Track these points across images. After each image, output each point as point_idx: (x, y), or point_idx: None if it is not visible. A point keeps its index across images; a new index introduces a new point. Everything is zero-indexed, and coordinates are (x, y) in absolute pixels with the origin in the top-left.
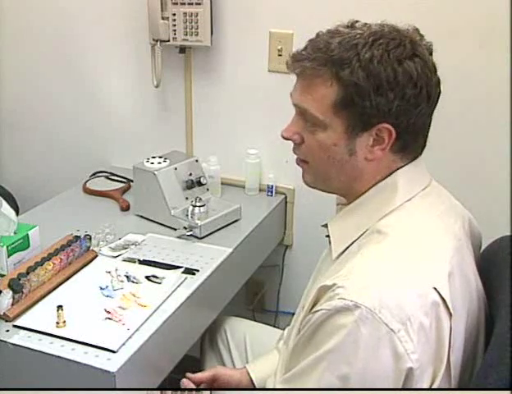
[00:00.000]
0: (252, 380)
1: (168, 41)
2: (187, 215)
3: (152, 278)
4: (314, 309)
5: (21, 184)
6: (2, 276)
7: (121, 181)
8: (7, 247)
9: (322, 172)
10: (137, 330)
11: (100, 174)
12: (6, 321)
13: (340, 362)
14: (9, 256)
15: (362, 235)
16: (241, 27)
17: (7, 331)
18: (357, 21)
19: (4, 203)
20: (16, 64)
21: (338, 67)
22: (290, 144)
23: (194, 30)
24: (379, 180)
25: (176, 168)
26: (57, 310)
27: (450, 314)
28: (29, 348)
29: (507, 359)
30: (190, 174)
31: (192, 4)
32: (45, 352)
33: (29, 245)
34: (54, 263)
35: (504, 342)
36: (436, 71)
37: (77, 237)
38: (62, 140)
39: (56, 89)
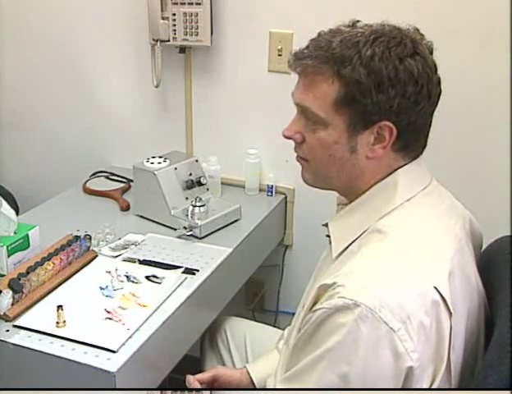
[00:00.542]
0: (252, 380)
1: (168, 41)
2: (187, 215)
3: (152, 278)
4: (314, 308)
5: (21, 184)
6: (2, 276)
7: (121, 181)
8: (7, 247)
9: (323, 171)
10: (137, 330)
11: (100, 174)
12: (7, 321)
13: (340, 361)
14: (9, 256)
15: (362, 234)
16: (241, 27)
17: (7, 331)
18: (358, 21)
19: (4, 203)
20: (16, 64)
21: (339, 65)
22: (290, 143)
23: (194, 30)
24: (379, 179)
25: (176, 168)
26: (57, 310)
27: (451, 313)
28: (29, 348)
29: (507, 359)
30: (190, 174)
31: (192, 4)
32: (45, 352)
33: (29, 245)
34: (54, 263)
35: (504, 342)
36: (436, 70)
37: (77, 237)
38: (62, 140)
39: (56, 89)
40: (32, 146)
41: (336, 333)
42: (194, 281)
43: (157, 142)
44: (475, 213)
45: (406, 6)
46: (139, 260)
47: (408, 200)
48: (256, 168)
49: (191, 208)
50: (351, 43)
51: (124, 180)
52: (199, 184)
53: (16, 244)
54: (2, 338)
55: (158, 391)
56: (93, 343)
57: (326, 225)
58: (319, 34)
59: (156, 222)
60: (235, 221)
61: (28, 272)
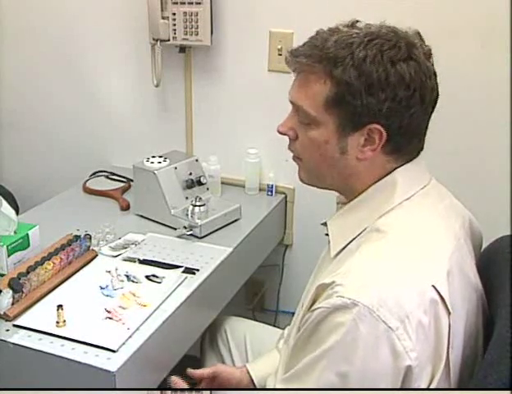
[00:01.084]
0: (252, 379)
1: (168, 41)
2: (187, 214)
3: (152, 278)
4: (313, 307)
5: (21, 184)
6: (2, 275)
7: (121, 181)
8: (7, 246)
9: (315, 169)
10: (137, 329)
11: (100, 174)
12: (7, 320)
13: (339, 360)
14: (9, 255)
15: (361, 233)
16: (241, 27)
17: (7, 330)
18: (358, 21)
19: (4, 202)
20: (16, 64)
21: (332, 65)
22: None
23: (194, 30)
24: (377, 179)
25: (176, 168)
26: (57, 310)
27: (449, 312)
28: (29, 347)
29: (507, 358)
30: (190, 173)
31: (192, 4)
32: (45, 352)
33: (29, 245)
34: (54, 263)
35: (504, 342)
36: (431, 76)
37: (77, 237)
38: (62, 140)
39: (56, 89)
40: (32, 146)
41: (334, 332)
42: (194, 281)
43: (157, 142)
44: (475, 213)
45: (406, 7)
46: (139, 260)
47: (407, 199)
48: (256, 168)
49: (191, 207)
50: (345, 43)
51: (124, 179)
52: (199, 183)
53: (16, 243)
54: (2, 338)
55: (158, 391)
56: (93, 343)
57: (324, 224)
58: (317, 33)
59: (156, 221)
60: (235, 220)
61: (28, 272)
